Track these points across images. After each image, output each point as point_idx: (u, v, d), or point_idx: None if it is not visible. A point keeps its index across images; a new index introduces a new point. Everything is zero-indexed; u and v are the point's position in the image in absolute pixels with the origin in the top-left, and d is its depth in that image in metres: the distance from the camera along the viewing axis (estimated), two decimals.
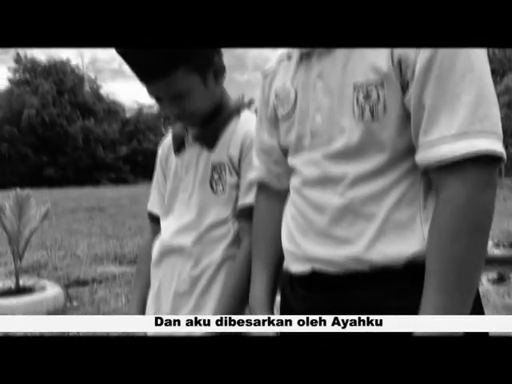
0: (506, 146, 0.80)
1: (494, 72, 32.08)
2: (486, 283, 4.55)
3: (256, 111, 1.14)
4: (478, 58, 0.78)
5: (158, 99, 1.15)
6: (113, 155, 38.79)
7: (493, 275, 4.72)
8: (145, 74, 1.10)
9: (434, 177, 0.81)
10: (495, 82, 28.68)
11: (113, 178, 37.45)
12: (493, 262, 4.99)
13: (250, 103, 46.65)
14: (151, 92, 1.14)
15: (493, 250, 5.30)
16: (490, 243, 5.58)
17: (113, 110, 41.68)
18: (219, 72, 1.18)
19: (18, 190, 3.85)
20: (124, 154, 39.43)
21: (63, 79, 37.32)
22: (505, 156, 0.77)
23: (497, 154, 0.75)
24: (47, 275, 5.29)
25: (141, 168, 39.42)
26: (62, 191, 24.43)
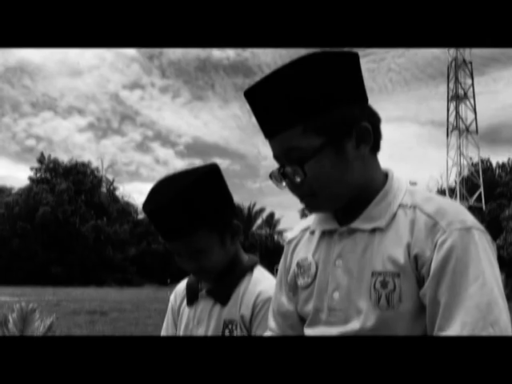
0: None
1: (502, 195, 32.68)
2: None
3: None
4: (488, 261, 0.84)
5: (177, 254, 1.22)
6: (121, 255, 38.77)
7: None
8: (168, 233, 1.18)
9: None
10: (503, 205, 29.02)
11: (118, 278, 37.05)
12: None
13: (261, 211, 47.48)
14: (172, 248, 1.20)
15: None
16: None
17: (126, 210, 42.55)
18: (236, 232, 1.26)
19: (24, 303, 3.82)
20: (132, 255, 39.40)
21: (82, 180, 38.71)
22: None
23: None
24: None
25: (148, 269, 39.14)
26: (66, 290, 24.13)
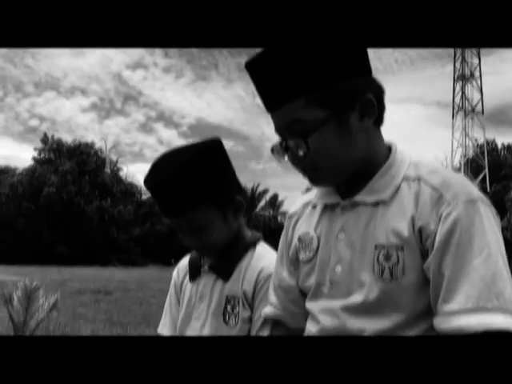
0: None
1: (507, 177, 32.56)
2: None
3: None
4: (493, 233, 0.83)
5: (180, 230, 1.21)
6: (125, 236, 39.00)
7: None
8: (168, 210, 1.16)
9: None
10: (508, 187, 28.98)
11: (123, 258, 37.34)
12: None
13: (265, 192, 47.49)
14: (173, 224, 1.19)
15: None
16: None
17: (130, 191, 42.63)
18: (239, 208, 1.24)
19: (27, 281, 3.85)
20: (136, 235, 39.63)
21: (86, 160, 38.71)
22: None
23: (511, 330, 0.78)
24: None
25: (152, 250, 39.41)
26: (71, 270, 24.34)
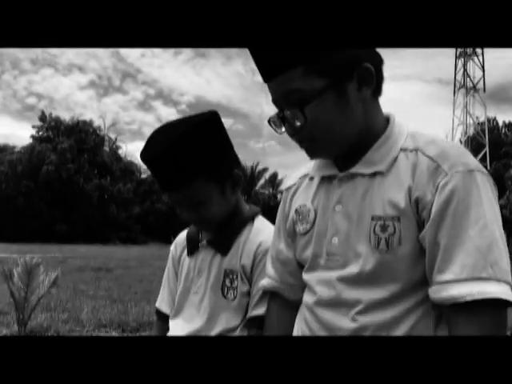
0: None
1: (507, 155, 32.50)
2: None
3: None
4: (490, 204, 0.83)
5: (177, 204, 1.20)
6: (125, 214, 39.12)
7: None
8: (165, 184, 1.15)
9: (446, 312, 0.84)
10: (508, 165, 28.96)
11: (123, 236, 37.55)
12: None
13: (264, 171, 47.47)
14: (171, 199, 1.18)
15: None
16: None
17: (129, 169, 42.57)
18: (237, 182, 1.23)
19: (28, 257, 3.87)
20: (136, 214, 39.75)
21: (85, 138, 38.54)
22: None
23: (507, 299, 0.78)
24: None
25: (151, 228, 39.58)
26: (71, 248, 24.46)
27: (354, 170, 0.94)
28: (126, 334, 5.86)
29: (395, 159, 0.91)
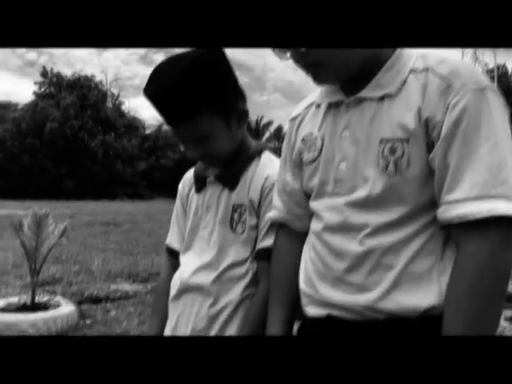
0: None
1: None
2: (502, 321, 4.46)
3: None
4: (501, 123, 0.82)
5: (183, 140, 1.19)
6: (131, 170, 39.22)
7: (511, 313, 4.62)
8: (171, 118, 1.14)
9: (454, 232, 0.84)
10: None
11: (129, 192, 37.80)
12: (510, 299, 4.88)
13: (269, 124, 47.01)
14: (176, 134, 1.17)
15: (510, 287, 5.20)
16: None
17: (133, 125, 42.28)
18: (242, 116, 1.21)
19: (36, 208, 3.91)
20: (142, 170, 39.84)
21: (87, 94, 38.08)
22: None
23: None
24: (61, 290, 5.33)
25: (157, 184, 39.77)
26: (79, 204, 24.73)
27: (361, 94, 0.93)
28: (136, 284, 6.02)
29: (404, 81, 0.89)
